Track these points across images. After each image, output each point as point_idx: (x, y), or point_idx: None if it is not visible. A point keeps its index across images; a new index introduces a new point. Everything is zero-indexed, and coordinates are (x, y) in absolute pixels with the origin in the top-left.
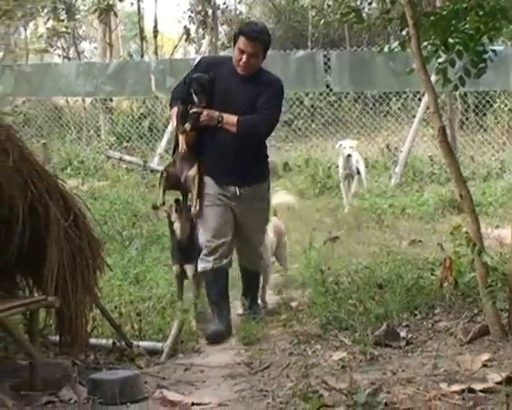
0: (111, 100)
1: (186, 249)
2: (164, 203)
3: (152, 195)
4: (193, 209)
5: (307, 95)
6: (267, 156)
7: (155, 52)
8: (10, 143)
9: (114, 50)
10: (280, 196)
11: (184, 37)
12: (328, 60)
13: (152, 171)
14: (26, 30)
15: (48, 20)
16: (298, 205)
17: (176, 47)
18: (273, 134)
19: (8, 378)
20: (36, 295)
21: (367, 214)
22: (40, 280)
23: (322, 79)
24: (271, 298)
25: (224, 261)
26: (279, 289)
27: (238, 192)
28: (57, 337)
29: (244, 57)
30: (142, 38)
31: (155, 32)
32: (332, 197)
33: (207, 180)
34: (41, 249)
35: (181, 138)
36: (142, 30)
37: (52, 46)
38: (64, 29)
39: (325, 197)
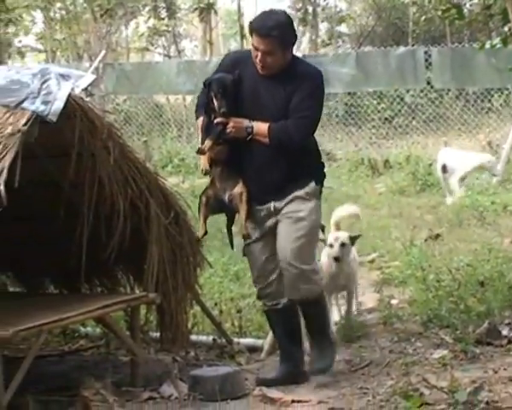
0: None
1: None
2: (206, 233)
3: None
4: (243, 231)
5: (408, 91)
6: (312, 156)
7: None
8: (112, 140)
9: (215, 48)
10: (342, 209)
11: None
12: (429, 56)
13: None
14: (127, 29)
15: (149, 18)
16: (362, 215)
17: None
18: (373, 131)
19: (109, 374)
20: (137, 291)
21: (468, 212)
22: (141, 277)
23: (423, 75)
24: (372, 296)
25: (281, 301)
26: (379, 287)
27: (273, 208)
28: (158, 334)
29: (259, 55)
30: (243, 36)
31: None
32: (433, 194)
33: None
34: (142, 246)
35: (202, 157)
36: (242, 27)
37: (153, 44)
38: (165, 27)
39: (426, 194)
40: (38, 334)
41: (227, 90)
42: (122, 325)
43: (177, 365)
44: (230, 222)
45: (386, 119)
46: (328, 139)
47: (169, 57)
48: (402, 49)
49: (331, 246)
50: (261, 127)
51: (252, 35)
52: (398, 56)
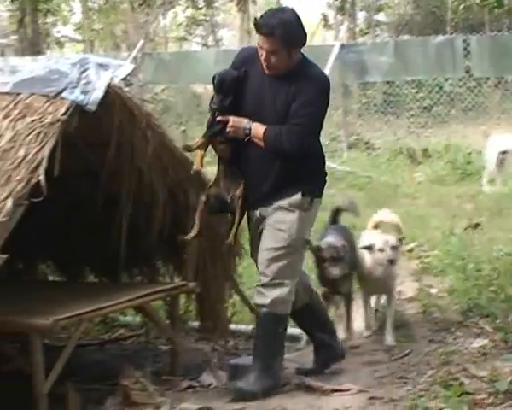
0: None
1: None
2: (199, 234)
3: None
4: (230, 238)
5: (447, 80)
6: (307, 165)
7: None
8: (150, 130)
9: (252, 38)
10: (385, 214)
11: (322, 23)
12: (468, 45)
13: None
14: (165, 18)
15: (186, 8)
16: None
17: (314, 33)
18: (412, 120)
19: (149, 364)
20: (176, 280)
21: (509, 201)
22: (180, 266)
23: (462, 64)
24: (411, 285)
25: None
26: (418, 277)
27: (259, 214)
28: (197, 323)
29: (264, 54)
30: None
31: None
32: (472, 183)
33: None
34: (181, 235)
35: (196, 156)
36: None
37: (191, 34)
38: (203, 17)
39: (465, 183)
40: (78, 323)
41: (225, 86)
42: (162, 315)
43: (217, 354)
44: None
45: (424, 108)
46: (366, 128)
47: (207, 47)
48: (440, 37)
49: (381, 250)
50: (258, 130)
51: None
52: (436, 45)
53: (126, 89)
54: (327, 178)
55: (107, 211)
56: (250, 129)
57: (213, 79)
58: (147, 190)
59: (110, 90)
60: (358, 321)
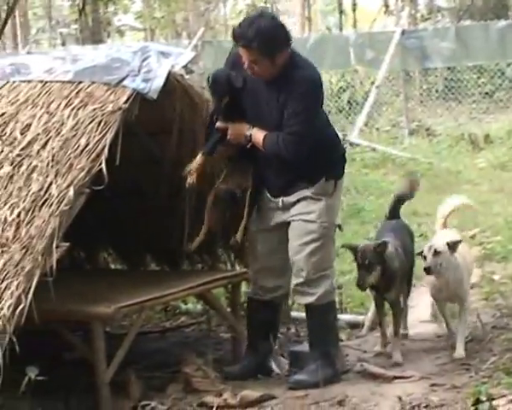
0: None
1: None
2: (208, 233)
3: (352, 168)
4: (238, 235)
5: (509, 65)
6: (324, 151)
7: (354, 25)
8: None
9: (313, 24)
10: (449, 202)
11: (383, 9)
12: None
13: (351, 144)
14: (225, 6)
15: None
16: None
17: (374, 20)
18: (473, 106)
19: (210, 351)
20: (237, 268)
21: None
22: (242, 254)
23: None
24: (473, 272)
25: (269, 296)
26: (481, 263)
27: (281, 203)
28: None
29: (246, 63)
30: (341, 12)
31: (354, 5)
32: None
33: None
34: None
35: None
36: (340, 4)
37: None
38: (263, 4)
39: None
40: (140, 311)
41: (219, 86)
42: (223, 302)
43: (278, 341)
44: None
45: (486, 93)
46: (427, 114)
47: None
48: (502, 22)
49: (424, 257)
50: (258, 136)
51: None
52: (498, 30)
53: (187, 76)
54: (349, 157)
55: (169, 198)
56: (251, 135)
57: (207, 79)
58: (208, 177)
59: (171, 78)
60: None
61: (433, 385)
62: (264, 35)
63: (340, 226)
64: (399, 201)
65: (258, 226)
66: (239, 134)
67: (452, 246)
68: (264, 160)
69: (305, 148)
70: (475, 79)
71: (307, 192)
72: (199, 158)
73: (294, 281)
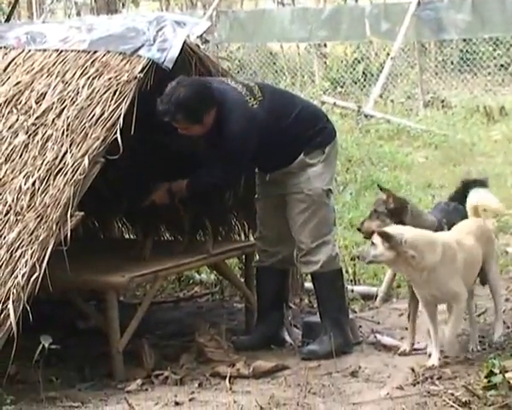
0: (325, 45)
1: None
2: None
3: (366, 140)
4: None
5: None
6: (296, 137)
7: None
8: None
9: None
10: (484, 197)
11: None
12: None
13: (366, 116)
14: None
15: None
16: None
17: None
18: (489, 78)
19: (224, 321)
20: (251, 238)
21: None
22: (255, 224)
23: None
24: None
25: (271, 260)
26: (495, 236)
27: (268, 177)
28: None
29: (179, 130)
30: None
31: None
32: None
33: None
34: (254, 194)
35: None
36: None
37: None
38: None
39: None
40: (154, 280)
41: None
42: (236, 272)
43: (291, 312)
44: None
45: (502, 65)
46: (442, 86)
47: (283, 5)
48: None
49: None
50: (179, 186)
51: None
52: None
53: (202, 46)
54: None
55: (181, 170)
56: (171, 190)
57: None
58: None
59: (186, 48)
60: None
61: (446, 357)
62: (185, 106)
63: (330, 190)
64: (465, 187)
65: (258, 194)
66: (162, 197)
67: (386, 238)
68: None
69: (222, 185)
70: (491, 51)
71: (288, 169)
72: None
73: (297, 253)
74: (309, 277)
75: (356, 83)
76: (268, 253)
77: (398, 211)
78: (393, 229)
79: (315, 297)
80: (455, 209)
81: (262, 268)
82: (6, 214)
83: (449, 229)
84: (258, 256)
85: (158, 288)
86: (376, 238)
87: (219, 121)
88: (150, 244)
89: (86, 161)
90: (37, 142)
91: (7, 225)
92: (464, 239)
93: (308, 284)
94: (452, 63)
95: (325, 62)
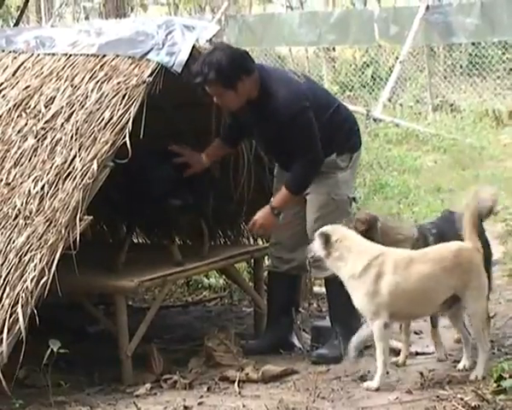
0: (333, 49)
1: None
2: None
3: (375, 144)
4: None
5: None
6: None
7: (378, 0)
8: None
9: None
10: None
11: None
12: None
13: (375, 120)
14: None
15: None
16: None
17: None
18: (498, 82)
19: (233, 325)
20: (260, 242)
21: None
22: None
23: None
24: (496, 248)
25: (284, 267)
26: (504, 240)
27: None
28: None
29: (214, 99)
30: None
31: None
32: None
33: None
34: (265, 198)
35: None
36: None
37: None
38: None
39: None
40: (162, 284)
41: None
42: (245, 277)
43: (300, 316)
44: None
45: (511, 69)
46: (451, 90)
47: (291, 9)
48: None
49: None
50: (281, 199)
51: None
52: None
53: None
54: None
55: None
56: (274, 208)
57: None
58: (232, 152)
59: (195, 52)
60: None
61: (455, 361)
62: (218, 66)
63: (355, 199)
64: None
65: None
66: (267, 218)
67: (321, 236)
68: (268, 146)
69: (319, 165)
70: (500, 54)
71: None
72: None
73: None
74: (318, 281)
75: (364, 87)
76: (282, 260)
77: (369, 231)
78: (331, 228)
79: (325, 301)
80: (455, 220)
81: (275, 273)
82: (15, 218)
83: (445, 240)
84: (271, 261)
85: (167, 292)
86: (317, 236)
87: (265, 94)
88: (177, 249)
89: (95, 165)
90: (46, 146)
91: (16, 229)
92: (416, 263)
93: (317, 289)
94: (461, 67)
95: (334, 66)
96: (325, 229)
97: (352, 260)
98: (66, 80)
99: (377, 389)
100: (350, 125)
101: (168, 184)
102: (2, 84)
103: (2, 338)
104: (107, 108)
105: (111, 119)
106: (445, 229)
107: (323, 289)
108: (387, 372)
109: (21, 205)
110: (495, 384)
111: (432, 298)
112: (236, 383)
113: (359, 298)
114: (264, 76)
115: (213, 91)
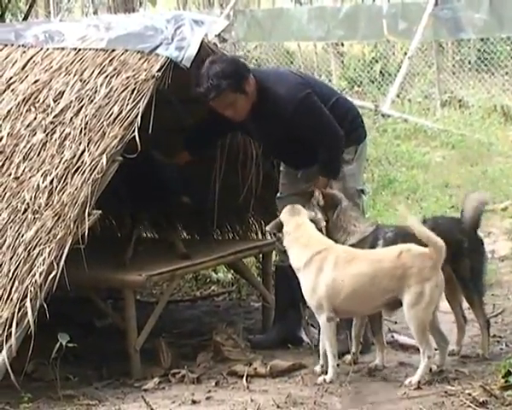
0: (342, 44)
1: None
2: None
3: (384, 139)
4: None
5: None
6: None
7: None
8: None
9: None
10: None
11: None
12: None
13: (383, 115)
14: None
15: None
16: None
17: None
18: (506, 78)
19: (241, 320)
20: (268, 237)
21: None
22: None
23: None
24: (504, 244)
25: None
26: (511, 235)
27: (300, 175)
28: None
29: (225, 113)
30: None
31: None
32: None
33: None
34: (274, 192)
35: None
36: None
37: None
38: None
39: None
40: (171, 279)
41: None
42: (254, 271)
43: (308, 311)
44: None
45: None
46: (460, 86)
47: (300, 4)
48: None
49: None
50: (323, 182)
51: None
52: None
53: (220, 45)
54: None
55: (200, 168)
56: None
57: None
58: (240, 147)
59: (204, 47)
60: None
61: (463, 357)
62: (227, 75)
63: (363, 191)
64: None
65: (284, 192)
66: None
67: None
68: (273, 149)
69: (342, 141)
70: (508, 50)
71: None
72: None
73: None
74: None
75: (373, 82)
76: None
77: (326, 209)
78: (287, 216)
79: None
80: (440, 224)
81: (281, 268)
82: (24, 212)
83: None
84: (278, 256)
85: (175, 287)
86: (272, 223)
87: (265, 93)
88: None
89: (104, 160)
90: (55, 140)
91: (25, 224)
92: (357, 262)
93: None
94: (470, 63)
95: (342, 61)
96: (282, 215)
97: (297, 252)
98: (75, 75)
99: (331, 382)
100: (353, 117)
101: (179, 180)
102: (12, 78)
103: (10, 332)
104: (116, 102)
105: (120, 113)
106: (406, 236)
107: None
108: (337, 365)
109: (30, 199)
110: (503, 380)
111: (369, 298)
112: (244, 378)
113: (303, 291)
114: (260, 76)
115: (226, 101)
